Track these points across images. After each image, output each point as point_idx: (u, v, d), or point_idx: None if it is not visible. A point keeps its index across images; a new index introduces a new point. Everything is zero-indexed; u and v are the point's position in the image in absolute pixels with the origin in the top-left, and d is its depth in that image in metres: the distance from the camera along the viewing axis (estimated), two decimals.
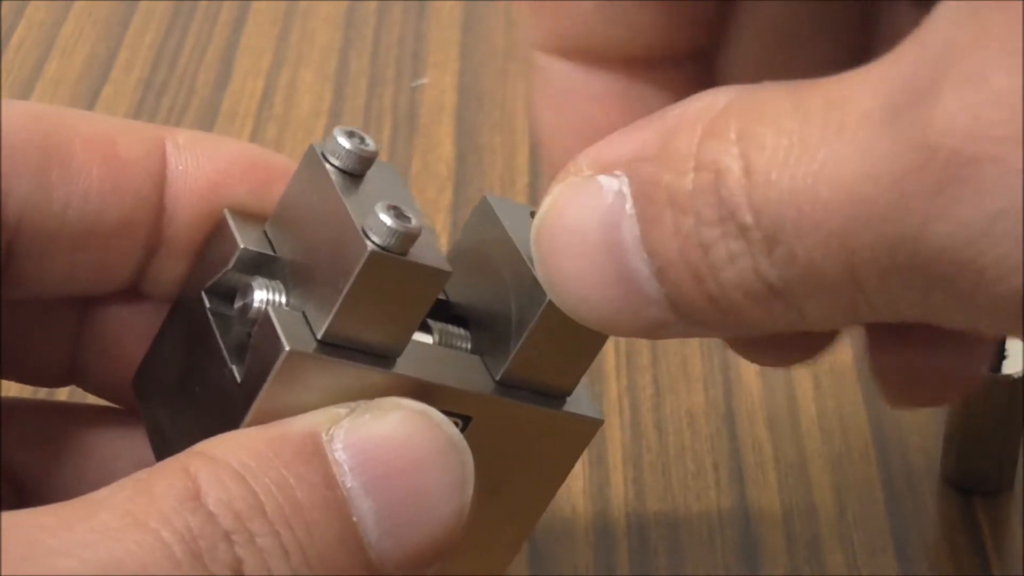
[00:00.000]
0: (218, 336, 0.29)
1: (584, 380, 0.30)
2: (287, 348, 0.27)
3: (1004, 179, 0.20)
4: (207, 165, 0.31)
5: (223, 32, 0.59)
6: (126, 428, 0.33)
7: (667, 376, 0.44)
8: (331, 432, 0.27)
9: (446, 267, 0.28)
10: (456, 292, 0.31)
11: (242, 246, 0.29)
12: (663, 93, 0.28)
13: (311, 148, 0.29)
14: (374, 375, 0.28)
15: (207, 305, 0.29)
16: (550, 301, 0.27)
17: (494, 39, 0.58)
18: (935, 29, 0.21)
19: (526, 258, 0.29)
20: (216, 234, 0.30)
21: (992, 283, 0.21)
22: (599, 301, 0.25)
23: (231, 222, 0.30)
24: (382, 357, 0.28)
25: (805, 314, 0.24)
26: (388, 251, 0.27)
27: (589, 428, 0.31)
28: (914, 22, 0.22)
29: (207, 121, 0.54)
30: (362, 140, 0.28)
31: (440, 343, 0.30)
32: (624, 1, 0.27)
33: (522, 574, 0.39)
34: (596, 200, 0.25)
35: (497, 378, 0.29)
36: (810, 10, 0.28)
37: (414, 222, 0.27)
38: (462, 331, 0.30)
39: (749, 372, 0.44)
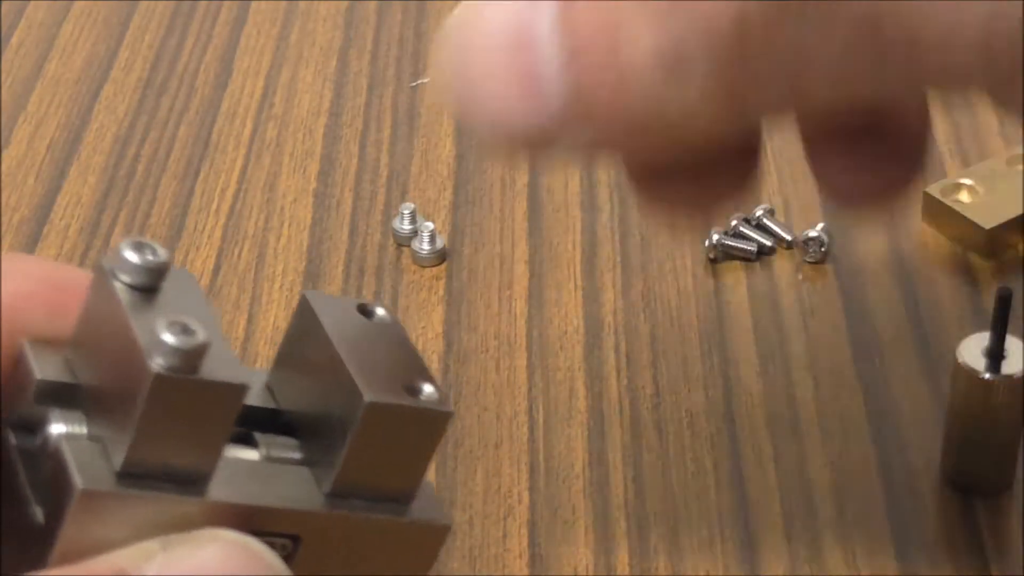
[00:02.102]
0: (22, 474, 0.26)
1: (429, 478, 0.29)
2: (80, 486, 0.25)
3: None
4: (7, 307, 0.28)
5: (223, 32, 0.59)
6: None
7: (667, 376, 0.44)
8: (143, 571, 0.25)
9: (241, 380, 0.26)
10: (284, 398, 0.29)
11: (39, 378, 0.27)
12: None
13: (99, 265, 0.27)
14: (185, 504, 0.26)
15: (13, 442, 0.27)
16: (368, 404, 0.26)
17: None
18: None
19: (344, 357, 0.27)
20: (17, 365, 0.28)
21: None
22: (502, 97, 0.25)
23: (28, 352, 0.27)
24: (191, 483, 0.26)
25: (706, 91, 0.24)
26: (174, 371, 0.25)
27: (436, 534, 0.29)
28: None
29: (207, 120, 0.54)
30: (153, 251, 0.27)
31: (267, 457, 0.28)
32: None
33: (522, 574, 0.39)
34: None
35: (327, 490, 0.27)
36: None
37: (201, 336, 0.25)
38: (292, 441, 0.28)
39: (749, 372, 0.44)
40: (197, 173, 0.52)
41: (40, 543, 0.25)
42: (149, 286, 0.26)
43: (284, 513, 0.27)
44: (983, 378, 0.38)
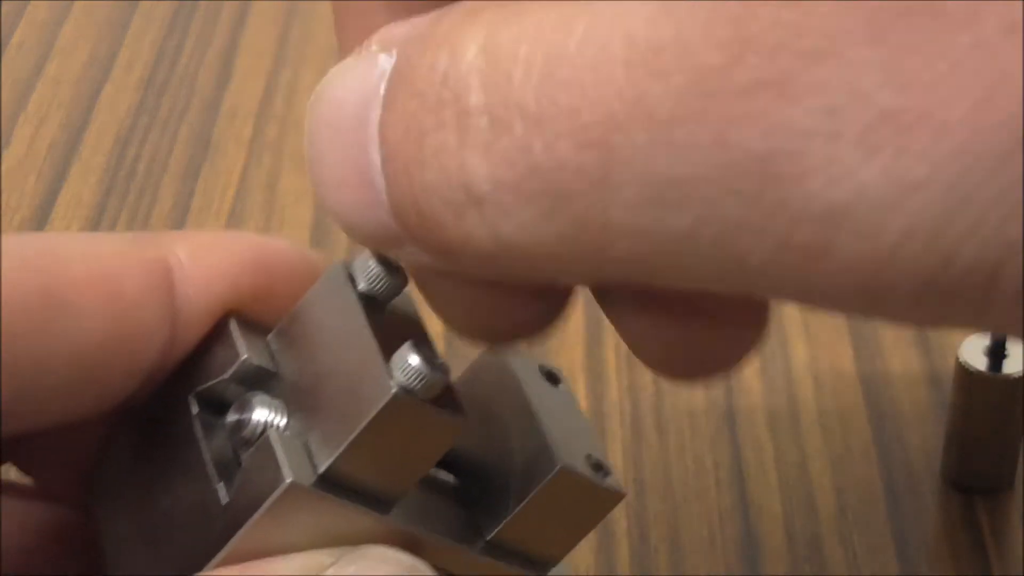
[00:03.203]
0: (204, 448, 0.26)
1: (567, 560, 0.29)
2: (288, 480, 0.24)
3: (840, 73, 0.18)
4: (216, 284, 0.28)
5: (224, 32, 0.59)
6: (7, 495, 0.30)
7: None
8: None
9: (466, 419, 0.25)
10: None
11: (245, 357, 0.27)
12: None
13: (337, 266, 0.27)
14: (368, 520, 0.25)
15: (195, 411, 0.27)
16: (560, 470, 0.26)
17: None
18: None
19: (540, 418, 0.27)
20: (214, 338, 0.28)
21: (807, 196, 0.18)
22: (340, 189, 0.23)
23: (235, 330, 0.27)
24: (378, 501, 0.26)
25: (501, 235, 0.21)
26: (413, 394, 0.24)
27: None
28: None
29: (208, 121, 0.54)
30: (396, 270, 0.26)
31: (425, 488, 0.27)
32: None
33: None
34: (365, 76, 0.22)
35: (487, 538, 0.27)
36: None
37: (444, 367, 0.25)
38: (451, 478, 0.28)
39: (749, 372, 0.44)
40: (198, 173, 0.52)
41: (221, 524, 0.25)
42: (384, 300, 0.26)
43: (448, 549, 0.27)
44: (984, 378, 0.38)
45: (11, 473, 0.31)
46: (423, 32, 0.22)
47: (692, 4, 0.19)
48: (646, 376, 0.44)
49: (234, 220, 0.50)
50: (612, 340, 0.45)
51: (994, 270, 0.18)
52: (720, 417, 0.43)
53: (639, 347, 0.25)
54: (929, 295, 0.19)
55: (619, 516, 0.40)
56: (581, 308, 0.46)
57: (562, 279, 0.24)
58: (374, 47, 0.23)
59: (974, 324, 0.19)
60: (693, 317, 0.25)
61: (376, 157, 0.22)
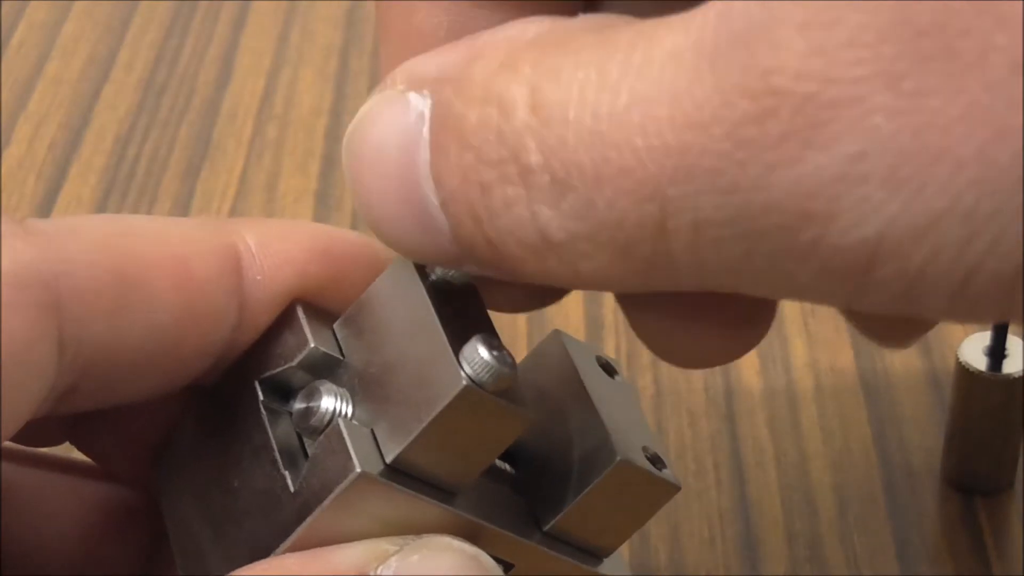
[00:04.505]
0: (271, 434, 0.27)
1: (623, 548, 0.29)
2: (359, 470, 0.25)
3: (864, 120, 0.20)
4: (284, 270, 0.28)
5: (224, 32, 0.59)
6: (69, 475, 0.31)
7: (667, 376, 0.44)
8: (379, 571, 0.25)
9: (532, 412, 0.26)
10: None
11: (312, 345, 0.27)
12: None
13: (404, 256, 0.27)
14: (431, 509, 0.26)
15: (260, 398, 0.27)
16: (619, 462, 0.27)
17: None
18: None
19: (599, 410, 0.28)
20: (281, 325, 0.28)
21: (842, 231, 0.20)
22: (396, 222, 0.24)
23: (302, 317, 0.28)
24: (441, 491, 0.26)
25: (581, 272, 0.23)
26: (482, 387, 0.25)
27: None
28: None
29: (208, 121, 0.54)
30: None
31: (484, 476, 0.27)
32: None
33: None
34: (400, 118, 0.24)
35: (545, 528, 0.28)
36: None
37: (511, 361, 0.25)
38: (508, 468, 0.28)
39: (749, 372, 0.44)
40: (198, 173, 0.52)
41: (288, 511, 0.26)
42: (447, 292, 0.26)
43: (507, 539, 0.27)
44: (984, 378, 0.38)
45: (72, 453, 0.31)
46: (456, 76, 0.23)
47: (727, 59, 0.20)
48: (646, 376, 0.44)
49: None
50: (612, 340, 0.45)
51: (1013, 280, 0.20)
52: (720, 417, 0.43)
53: (651, 339, 0.27)
54: (959, 301, 0.20)
55: None
56: (581, 308, 0.46)
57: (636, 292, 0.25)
58: (400, 86, 0.24)
59: (1007, 319, 0.21)
60: (706, 313, 0.26)
61: (431, 195, 0.23)
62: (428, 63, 0.24)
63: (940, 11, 0.19)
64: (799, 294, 0.22)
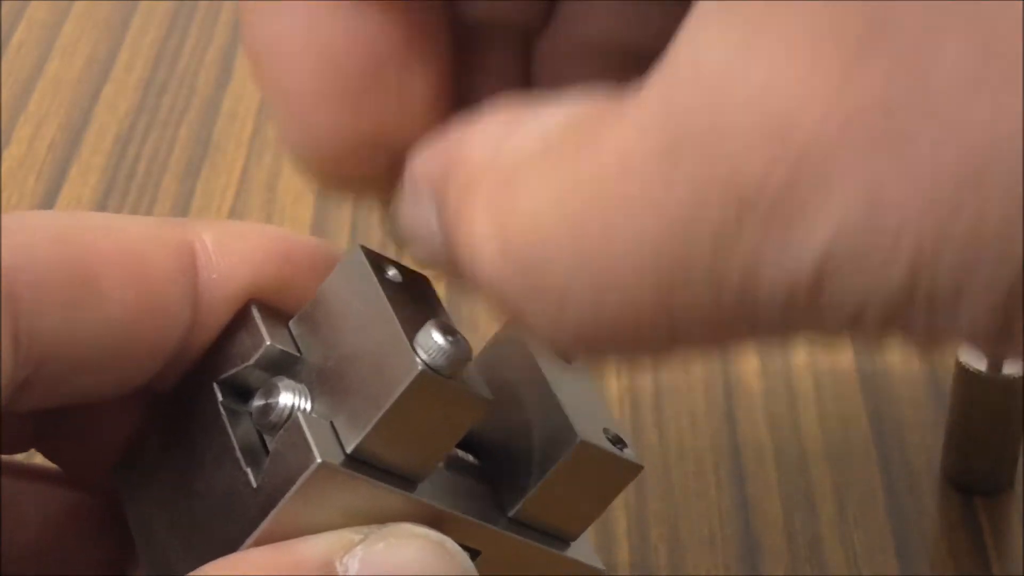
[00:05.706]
0: (232, 435, 0.27)
1: (589, 530, 0.29)
2: (319, 460, 0.25)
3: (845, 195, 0.19)
4: (240, 269, 0.28)
5: (224, 32, 0.59)
6: (35, 482, 0.31)
7: (667, 376, 0.44)
8: (345, 561, 0.25)
9: (489, 396, 0.26)
10: None
11: (269, 343, 0.27)
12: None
13: (358, 251, 0.27)
14: (394, 498, 0.26)
15: (220, 399, 0.27)
16: (580, 443, 0.27)
17: None
18: (699, 44, 0.20)
19: (557, 394, 0.28)
20: (236, 325, 0.28)
21: (856, 290, 0.20)
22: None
23: (257, 316, 0.28)
24: (404, 480, 0.26)
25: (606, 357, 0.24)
26: (438, 371, 0.25)
27: None
28: None
29: (208, 120, 0.54)
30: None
31: (447, 467, 0.28)
32: None
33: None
34: (417, 211, 0.25)
35: (510, 514, 0.28)
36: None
37: (466, 345, 0.25)
38: (471, 458, 0.29)
39: (749, 372, 0.44)
40: (198, 173, 0.52)
41: (253, 507, 0.26)
42: (399, 281, 0.27)
43: (473, 527, 0.27)
44: (984, 378, 0.38)
45: (35, 459, 0.31)
46: (443, 178, 0.24)
47: (694, 172, 0.20)
48: (646, 376, 0.44)
49: (234, 219, 0.50)
50: None
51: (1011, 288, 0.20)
52: (720, 417, 0.43)
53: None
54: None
55: (619, 516, 0.40)
56: None
57: None
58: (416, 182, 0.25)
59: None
60: None
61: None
62: (432, 158, 0.25)
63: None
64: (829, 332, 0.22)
